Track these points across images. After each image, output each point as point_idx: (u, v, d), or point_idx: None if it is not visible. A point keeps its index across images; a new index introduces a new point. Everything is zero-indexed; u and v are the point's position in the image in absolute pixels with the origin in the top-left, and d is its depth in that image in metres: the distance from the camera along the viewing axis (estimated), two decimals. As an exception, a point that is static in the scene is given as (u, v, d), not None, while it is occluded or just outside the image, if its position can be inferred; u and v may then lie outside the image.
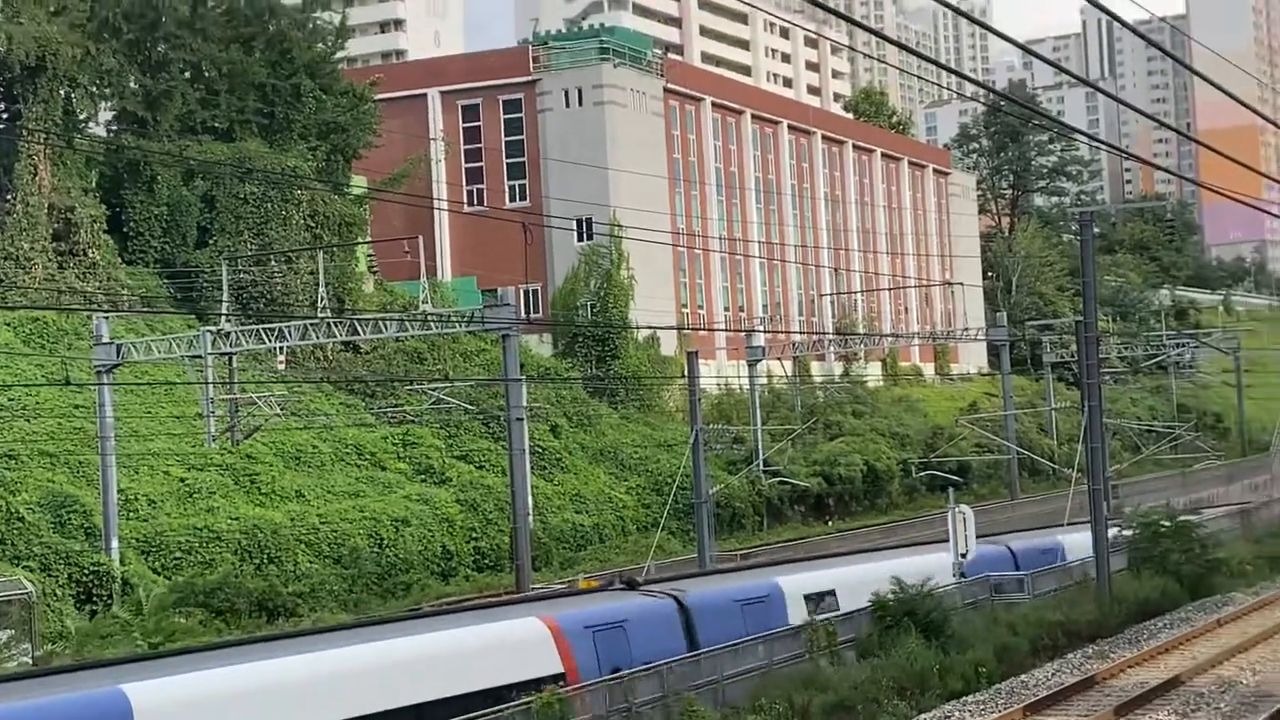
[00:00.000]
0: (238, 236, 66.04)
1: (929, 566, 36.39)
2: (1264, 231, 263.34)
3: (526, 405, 51.17)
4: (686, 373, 56.78)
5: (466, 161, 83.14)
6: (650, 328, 74.29)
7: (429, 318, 53.64)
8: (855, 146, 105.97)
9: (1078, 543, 43.62)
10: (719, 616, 32.53)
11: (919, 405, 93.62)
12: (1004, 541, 46.02)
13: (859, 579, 35.72)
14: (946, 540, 38.27)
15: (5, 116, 64.28)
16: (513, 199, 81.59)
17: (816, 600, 35.53)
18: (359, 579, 50.67)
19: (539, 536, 57.09)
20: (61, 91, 62.64)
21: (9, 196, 60.30)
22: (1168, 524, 43.46)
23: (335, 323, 51.63)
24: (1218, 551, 45.06)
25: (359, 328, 52.28)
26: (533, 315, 78.92)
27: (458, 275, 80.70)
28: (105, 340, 47.80)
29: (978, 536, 38.78)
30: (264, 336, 50.72)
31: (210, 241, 66.07)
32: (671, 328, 77.65)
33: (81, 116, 65.84)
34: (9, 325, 56.70)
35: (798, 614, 34.20)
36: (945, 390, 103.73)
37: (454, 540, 55.59)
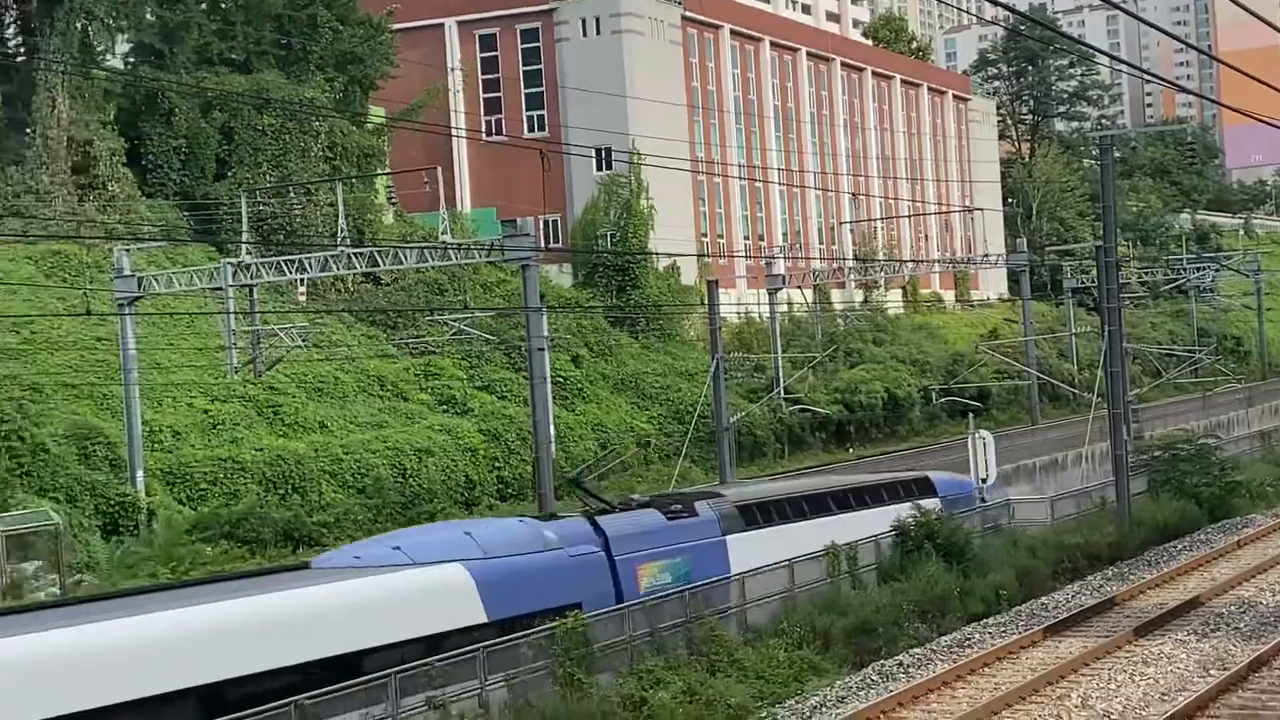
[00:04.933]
0: (256, 169, 66.01)
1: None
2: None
3: (547, 335, 51.24)
4: (706, 301, 56.78)
5: (485, 92, 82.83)
6: (670, 255, 74.24)
7: (449, 248, 53.58)
8: (874, 73, 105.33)
9: None
10: None
11: (939, 332, 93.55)
12: None
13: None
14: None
15: (23, 50, 64.19)
16: (531, 129, 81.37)
17: None
18: (383, 509, 50.98)
19: (561, 466, 57.35)
20: (79, 24, 62.47)
21: (28, 130, 60.29)
22: (1186, 447, 43.57)
23: (355, 254, 51.58)
24: (1237, 474, 45.16)
25: (379, 259, 52.23)
26: (552, 245, 78.87)
27: (477, 206, 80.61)
28: (126, 273, 47.94)
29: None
30: (284, 268, 50.75)
31: (229, 174, 66.06)
32: (691, 255, 77.60)
33: (99, 49, 65.65)
34: (30, 259, 56.84)
35: None
36: (965, 317, 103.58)
37: (477, 470, 55.87)
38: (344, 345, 61.14)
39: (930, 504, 36.08)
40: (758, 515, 32.70)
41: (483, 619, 24.67)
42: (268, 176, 65.73)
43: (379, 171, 71.08)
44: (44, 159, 59.79)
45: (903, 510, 35.06)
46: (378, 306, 65.34)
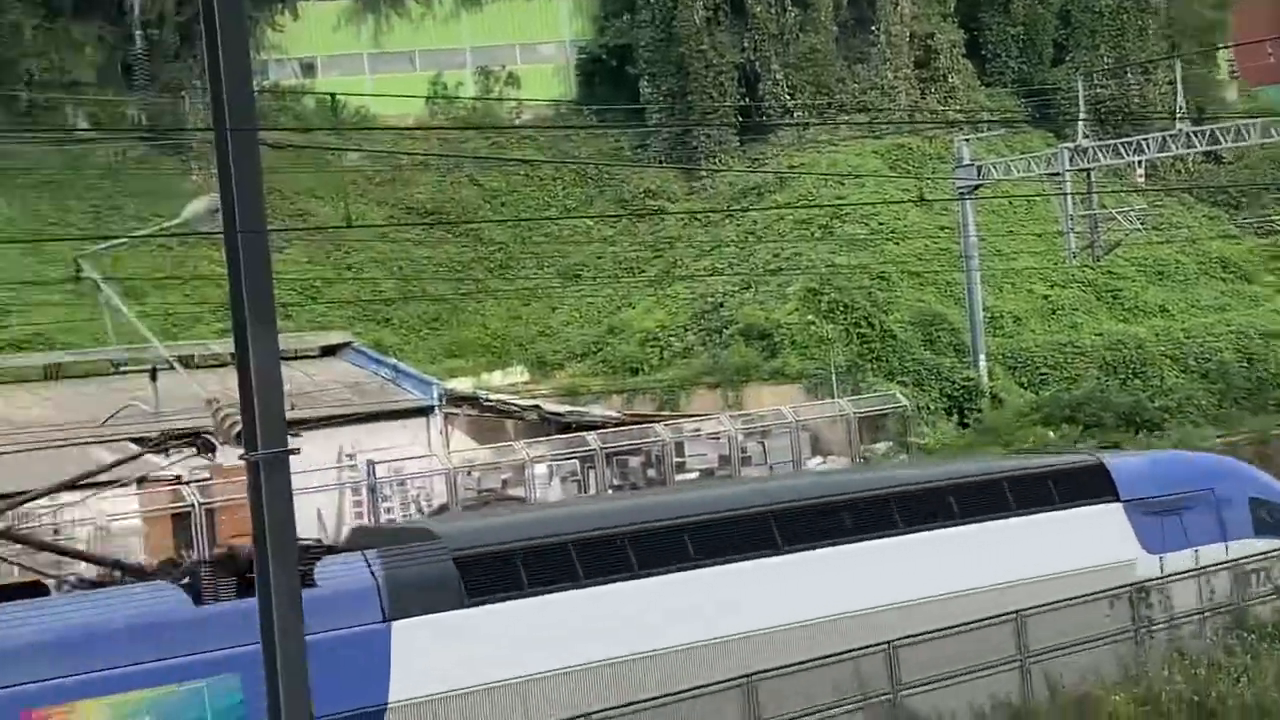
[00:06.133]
0: (1093, 51, 65.60)
1: None
2: None
3: None
4: None
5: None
6: None
7: (1297, 121, 51.00)
8: None
9: None
10: None
11: None
12: None
13: None
14: None
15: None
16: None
17: None
18: (1227, 394, 49.79)
19: None
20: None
21: (873, 29, 62.98)
22: None
23: (1194, 133, 50.24)
24: None
25: (1220, 136, 50.54)
26: None
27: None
28: (966, 162, 49.28)
29: None
30: (1121, 150, 50.24)
31: (1066, 58, 66.02)
32: None
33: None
34: (876, 153, 59.65)
35: None
36: None
37: (1330, 355, 53.25)
38: (1184, 227, 59.86)
39: (1095, 513, 22.78)
40: (520, 570, 17.91)
41: None
42: (1105, 58, 65.15)
43: (1220, 45, 68.55)
44: (887, 55, 62.33)
45: (1016, 530, 21.72)
46: (1219, 185, 63.34)
